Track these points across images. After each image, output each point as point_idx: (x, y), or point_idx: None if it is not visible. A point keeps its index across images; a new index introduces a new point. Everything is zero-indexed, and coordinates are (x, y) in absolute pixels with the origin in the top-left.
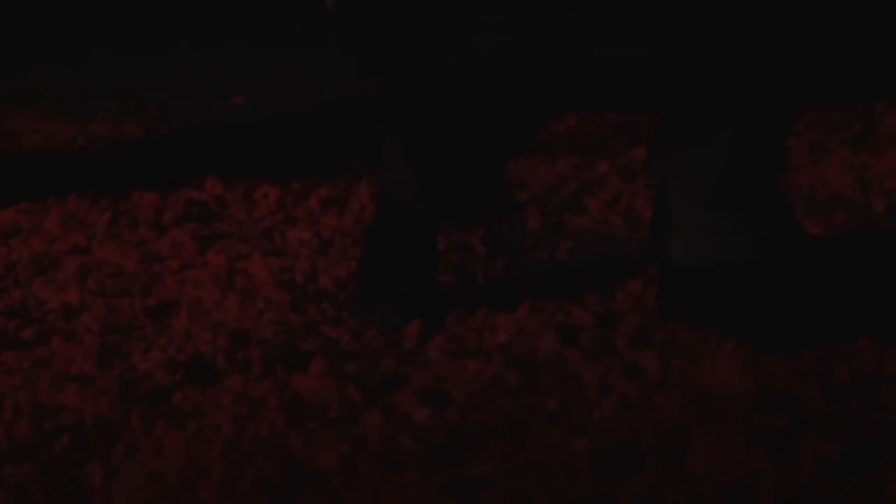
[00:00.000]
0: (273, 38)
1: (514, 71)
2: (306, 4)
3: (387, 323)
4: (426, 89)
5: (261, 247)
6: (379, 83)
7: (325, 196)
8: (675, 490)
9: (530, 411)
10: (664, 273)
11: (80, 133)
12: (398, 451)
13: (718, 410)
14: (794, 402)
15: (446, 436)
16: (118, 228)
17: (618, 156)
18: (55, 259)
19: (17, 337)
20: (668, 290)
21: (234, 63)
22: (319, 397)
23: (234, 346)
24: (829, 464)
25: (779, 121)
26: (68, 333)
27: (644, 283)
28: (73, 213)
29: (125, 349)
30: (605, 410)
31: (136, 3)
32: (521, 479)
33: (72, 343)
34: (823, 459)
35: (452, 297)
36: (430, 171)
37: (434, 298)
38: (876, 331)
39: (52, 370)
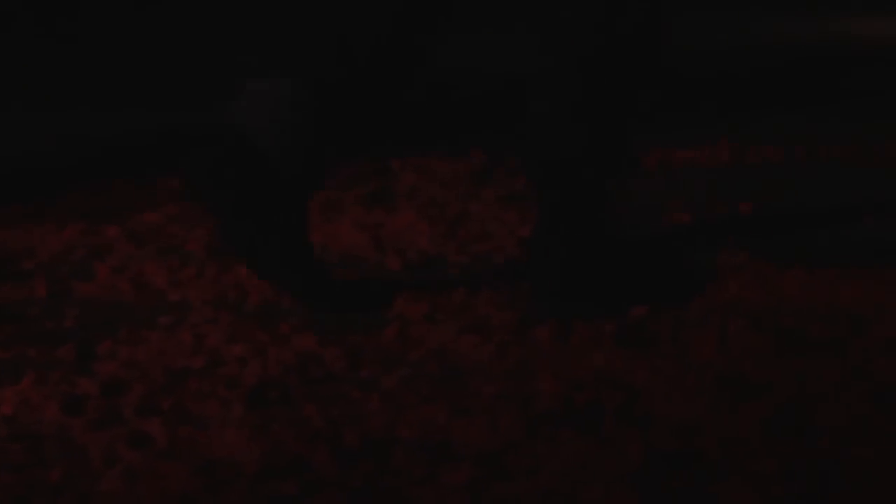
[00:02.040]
0: None
1: None
2: None
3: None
4: None
5: None
6: None
7: None
8: None
9: (33, 485)
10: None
11: None
12: None
13: (226, 478)
14: (304, 468)
15: None
16: None
17: (128, 220)
18: None
19: None
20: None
21: None
22: None
23: None
24: None
25: None
26: None
27: (148, 350)
28: None
29: None
30: (111, 481)
31: None
32: None
33: None
34: None
35: None
36: None
37: None
38: None
39: None
